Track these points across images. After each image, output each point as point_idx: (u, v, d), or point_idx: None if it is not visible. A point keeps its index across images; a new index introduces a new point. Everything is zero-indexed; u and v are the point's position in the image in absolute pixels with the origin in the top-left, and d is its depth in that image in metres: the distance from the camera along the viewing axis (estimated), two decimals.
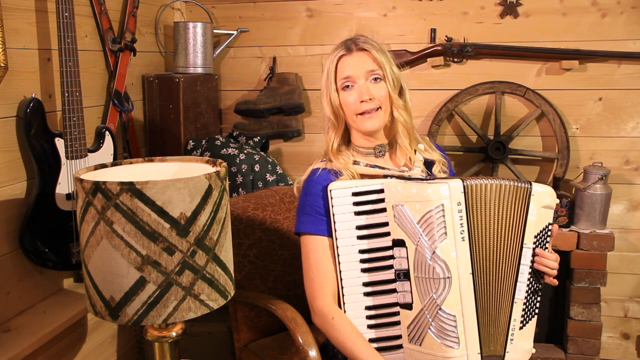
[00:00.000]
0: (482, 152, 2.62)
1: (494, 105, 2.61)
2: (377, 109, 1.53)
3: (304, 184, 1.58)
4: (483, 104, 2.67)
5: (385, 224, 1.45)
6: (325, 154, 1.61)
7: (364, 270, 1.46)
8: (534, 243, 1.46)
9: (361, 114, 1.53)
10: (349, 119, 1.57)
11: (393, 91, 1.54)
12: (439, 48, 2.61)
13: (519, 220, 1.44)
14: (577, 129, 2.60)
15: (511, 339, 1.45)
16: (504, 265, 1.44)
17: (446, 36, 2.62)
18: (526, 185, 1.44)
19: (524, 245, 1.44)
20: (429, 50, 2.62)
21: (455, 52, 2.59)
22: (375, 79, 1.54)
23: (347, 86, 1.54)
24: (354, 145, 1.62)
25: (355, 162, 1.57)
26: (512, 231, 1.44)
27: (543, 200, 1.45)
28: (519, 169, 2.62)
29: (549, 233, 1.48)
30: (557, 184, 2.49)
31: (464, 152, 2.67)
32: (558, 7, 2.54)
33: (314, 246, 1.53)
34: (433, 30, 2.64)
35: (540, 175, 2.67)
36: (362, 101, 1.52)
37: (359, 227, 1.46)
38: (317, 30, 2.75)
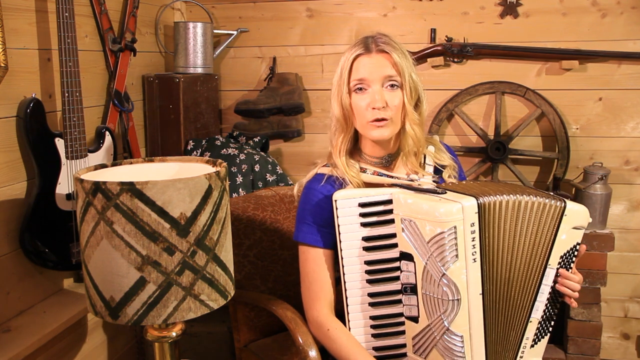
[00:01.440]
0: (482, 152, 2.62)
1: (494, 106, 2.61)
2: (390, 118, 1.43)
3: (305, 190, 1.52)
4: (483, 104, 2.67)
5: (393, 236, 1.40)
6: (329, 158, 1.54)
7: (369, 282, 1.43)
8: (559, 263, 1.39)
9: (371, 121, 1.43)
10: (358, 123, 1.47)
11: (409, 102, 1.43)
12: (439, 48, 2.61)
13: (546, 239, 1.36)
14: (577, 129, 2.60)
15: (521, 357, 1.41)
16: (521, 284, 1.37)
17: (446, 36, 2.62)
18: (559, 204, 1.36)
19: (547, 266, 1.38)
20: (429, 51, 2.62)
21: (456, 52, 2.59)
22: (392, 85, 1.43)
23: (360, 89, 1.43)
24: (362, 152, 1.55)
25: (362, 170, 1.50)
26: (535, 250, 1.37)
27: (575, 220, 1.38)
28: (519, 169, 2.62)
29: (576, 253, 1.40)
30: (557, 184, 2.49)
31: (464, 152, 2.67)
32: (558, 7, 2.54)
33: (311, 256, 1.50)
34: (433, 31, 2.64)
35: (541, 176, 2.67)
36: (374, 108, 1.41)
37: (365, 239, 1.42)
38: (317, 31, 2.75)
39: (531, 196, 1.36)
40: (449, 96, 2.63)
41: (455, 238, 1.30)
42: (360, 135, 1.54)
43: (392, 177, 1.49)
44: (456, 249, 1.30)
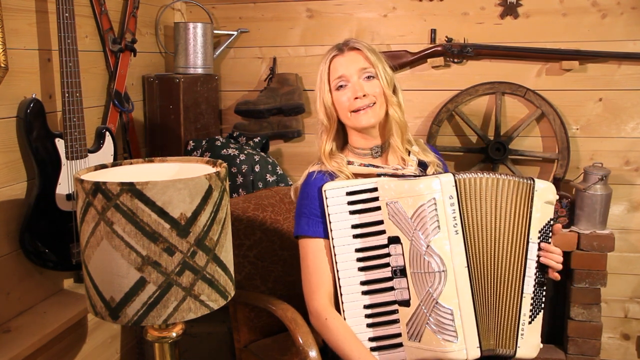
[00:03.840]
0: (482, 153, 2.62)
1: (494, 106, 2.61)
2: (372, 104, 1.54)
3: (301, 188, 1.60)
4: (483, 104, 2.67)
5: (380, 222, 1.46)
6: (318, 159, 1.62)
7: (360, 269, 1.47)
8: (539, 238, 1.47)
9: (355, 111, 1.54)
10: (343, 117, 1.57)
11: (387, 88, 1.56)
12: (439, 49, 2.61)
13: (524, 215, 1.45)
14: (578, 129, 2.60)
15: (522, 334, 1.45)
16: (507, 259, 1.45)
17: (446, 37, 2.62)
18: (529, 181, 1.46)
19: (530, 240, 1.45)
20: (429, 51, 2.62)
21: (456, 52, 2.59)
22: (369, 77, 1.55)
23: (341, 86, 1.55)
24: (351, 146, 1.63)
25: (349, 162, 1.59)
26: (515, 226, 1.45)
27: (545, 195, 1.47)
28: (519, 169, 2.62)
29: (551, 228, 1.49)
30: (558, 185, 2.49)
31: (464, 153, 2.67)
32: (558, 8, 2.54)
33: (311, 248, 1.54)
34: (433, 31, 2.64)
35: (541, 176, 2.66)
36: (356, 98, 1.53)
37: (354, 226, 1.48)
38: (317, 31, 2.75)
39: (509, 176, 1.46)
40: (449, 97, 2.63)
41: (436, 210, 1.39)
42: (348, 131, 1.63)
43: (377, 167, 1.59)
44: (437, 220, 1.39)
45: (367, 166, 1.58)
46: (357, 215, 1.48)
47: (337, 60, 1.56)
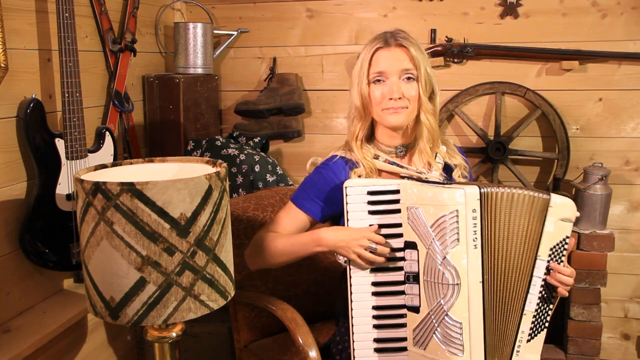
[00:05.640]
0: (482, 153, 2.62)
1: (494, 106, 2.61)
2: (405, 107, 1.53)
3: (320, 165, 1.62)
4: (483, 104, 2.67)
5: (399, 225, 1.44)
6: (346, 144, 1.62)
7: (373, 270, 1.46)
8: (549, 256, 1.41)
9: (387, 108, 1.53)
10: (374, 112, 1.57)
11: (424, 93, 1.53)
12: (439, 48, 2.61)
13: (534, 231, 1.40)
14: (577, 129, 2.60)
15: (517, 351, 1.42)
16: (515, 275, 1.40)
17: (446, 37, 2.62)
18: (545, 196, 1.40)
19: (537, 257, 1.41)
20: (429, 51, 2.61)
21: (456, 52, 2.59)
22: (409, 78, 1.53)
23: (379, 80, 1.53)
24: (377, 141, 1.62)
25: (375, 157, 1.58)
26: (526, 242, 1.40)
27: (562, 212, 1.41)
28: (519, 169, 2.62)
29: (566, 246, 1.44)
30: (557, 185, 2.49)
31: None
32: (558, 8, 2.54)
33: (291, 211, 1.62)
34: (433, 31, 2.64)
35: (541, 176, 2.67)
36: (390, 98, 1.52)
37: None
38: (317, 31, 2.75)
39: (523, 190, 1.40)
40: (449, 96, 2.63)
41: (457, 222, 1.34)
42: (376, 125, 1.62)
43: (402, 166, 1.57)
44: (457, 233, 1.34)
45: (392, 163, 1.57)
46: (376, 216, 1.45)
47: (380, 54, 1.53)
